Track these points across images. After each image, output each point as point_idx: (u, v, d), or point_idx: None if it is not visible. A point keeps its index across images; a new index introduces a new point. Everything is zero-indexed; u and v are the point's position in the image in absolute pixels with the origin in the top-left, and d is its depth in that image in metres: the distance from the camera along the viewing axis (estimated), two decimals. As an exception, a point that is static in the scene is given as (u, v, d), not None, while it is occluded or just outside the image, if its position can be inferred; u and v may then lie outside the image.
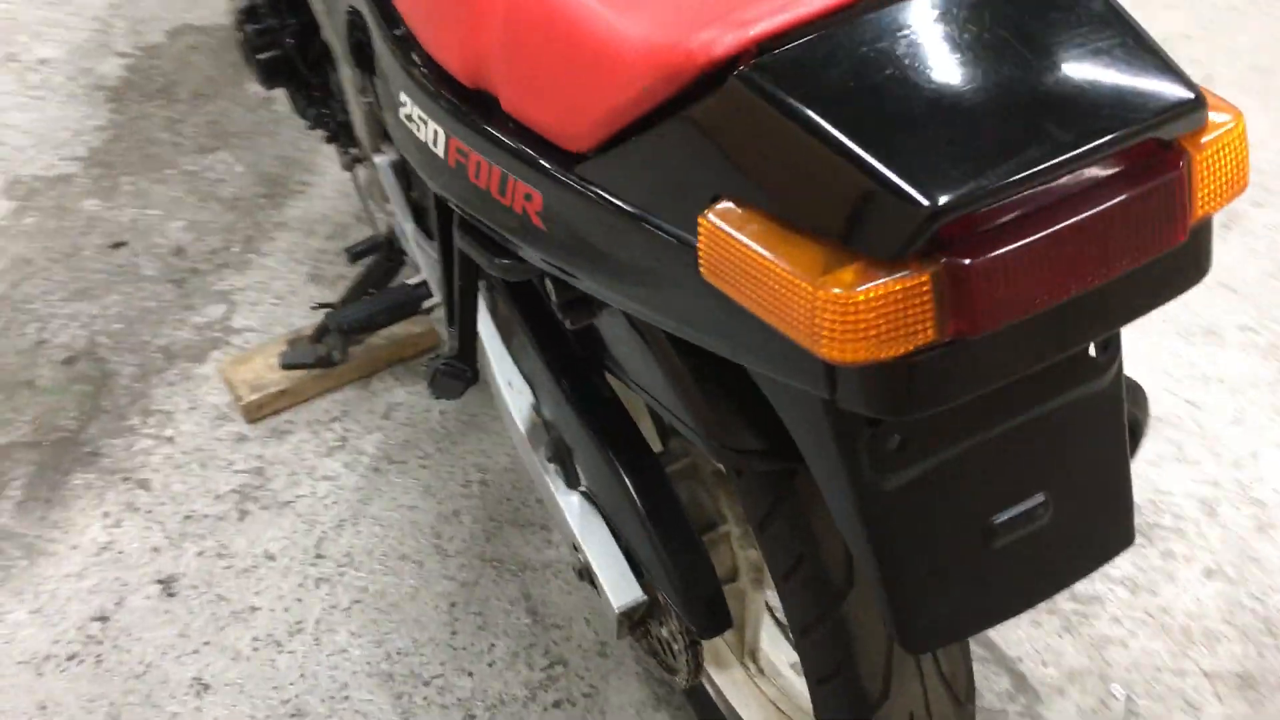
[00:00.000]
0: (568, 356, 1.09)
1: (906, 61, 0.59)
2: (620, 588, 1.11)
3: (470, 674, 1.45)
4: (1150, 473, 1.65)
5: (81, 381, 1.81)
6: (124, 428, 1.74)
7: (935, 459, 0.68)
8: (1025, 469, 0.72)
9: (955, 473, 0.70)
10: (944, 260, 0.55)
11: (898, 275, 0.55)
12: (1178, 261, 0.64)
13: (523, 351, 1.17)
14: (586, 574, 1.15)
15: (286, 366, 1.74)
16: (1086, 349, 0.70)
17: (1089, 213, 0.58)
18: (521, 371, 1.20)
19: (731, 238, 0.60)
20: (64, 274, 1.97)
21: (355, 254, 1.64)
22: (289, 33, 1.54)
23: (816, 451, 0.70)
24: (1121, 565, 1.54)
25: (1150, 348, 1.83)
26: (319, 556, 1.58)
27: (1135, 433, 1.03)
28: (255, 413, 1.74)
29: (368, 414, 1.75)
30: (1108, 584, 1.53)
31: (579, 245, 0.78)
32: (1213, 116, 0.61)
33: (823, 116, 0.57)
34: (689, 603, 1.00)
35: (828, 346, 0.57)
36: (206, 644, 1.49)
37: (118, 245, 2.02)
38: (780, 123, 0.59)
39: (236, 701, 1.43)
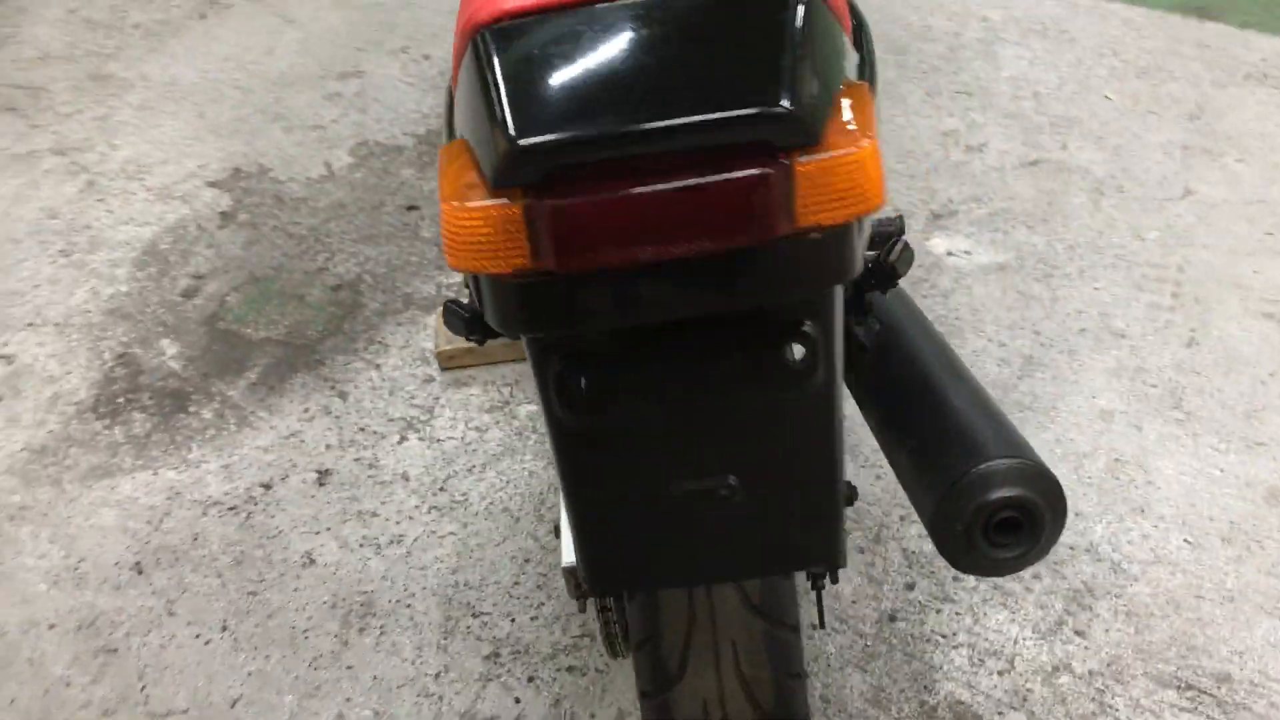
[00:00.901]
0: None
1: (591, 44, 0.68)
2: (572, 546, 1.21)
3: (513, 620, 1.60)
4: (1269, 657, 1.49)
5: (337, 306, 2.16)
6: (350, 348, 2.06)
7: (619, 413, 0.76)
8: (715, 450, 0.77)
9: (640, 432, 0.76)
10: (535, 198, 0.65)
11: (498, 201, 0.65)
12: (801, 259, 0.68)
13: None
14: (556, 529, 1.26)
15: (482, 330, 1.98)
16: (782, 353, 0.74)
17: (660, 186, 0.64)
18: None
19: (440, 171, 0.72)
20: (363, 220, 2.35)
21: None
22: None
23: (536, 387, 0.79)
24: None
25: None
26: (442, 490, 1.79)
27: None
28: (447, 361, 1.99)
29: (535, 388, 1.95)
30: (1158, 745, 1.41)
31: None
32: (835, 139, 0.65)
33: (499, 72, 0.68)
34: (581, 551, 1.08)
35: (447, 254, 0.68)
36: (327, 529, 1.75)
37: (411, 208, 2.37)
38: (478, 73, 0.70)
39: (326, 580, 1.67)
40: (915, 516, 1.69)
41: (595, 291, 0.68)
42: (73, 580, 1.71)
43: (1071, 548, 1.63)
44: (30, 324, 2.18)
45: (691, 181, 0.65)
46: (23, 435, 1.96)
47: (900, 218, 1.56)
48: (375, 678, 1.55)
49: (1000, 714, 1.46)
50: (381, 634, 1.60)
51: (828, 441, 0.79)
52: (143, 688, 1.56)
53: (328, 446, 1.89)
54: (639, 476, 0.78)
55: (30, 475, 1.88)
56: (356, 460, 1.86)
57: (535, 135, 0.64)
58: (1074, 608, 1.56)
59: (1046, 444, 1.77)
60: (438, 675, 1.55)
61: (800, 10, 0.68)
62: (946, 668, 1.51)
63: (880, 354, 1.27)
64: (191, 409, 1.98)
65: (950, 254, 2.13)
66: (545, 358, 0.75)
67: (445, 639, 1.59)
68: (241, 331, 2.13)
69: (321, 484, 1.83)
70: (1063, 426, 1.80)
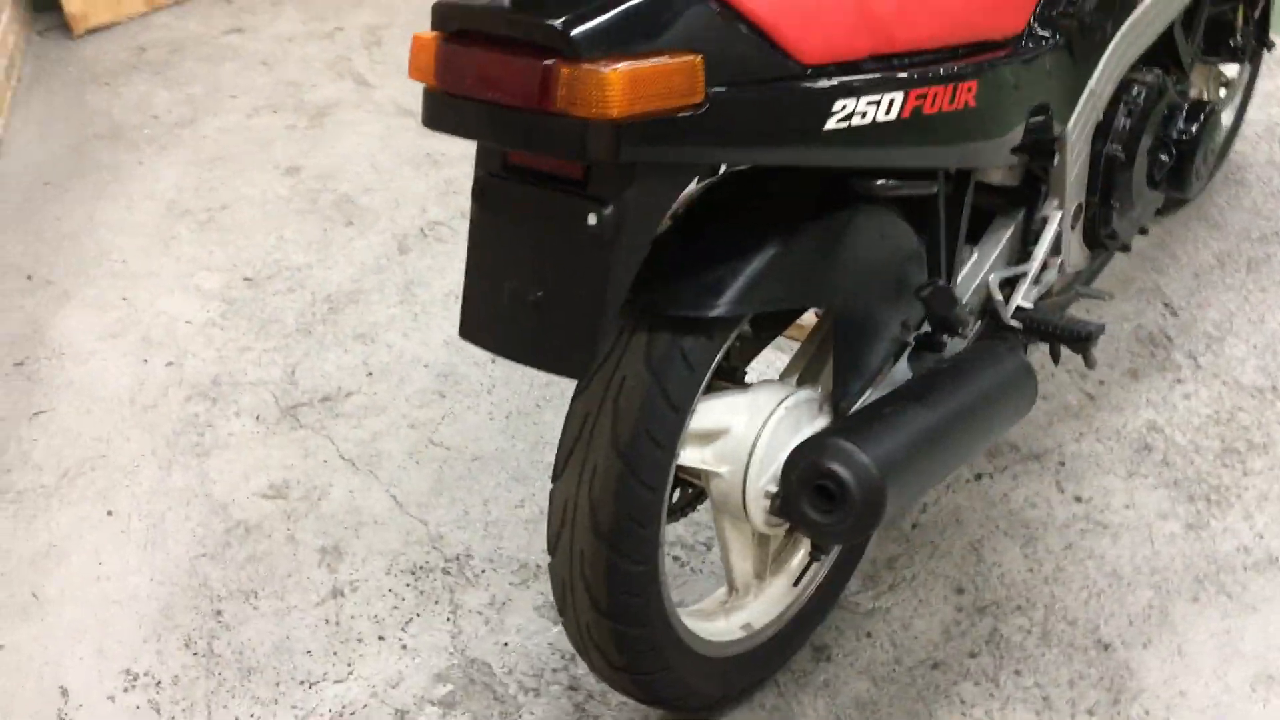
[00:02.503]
0: None
1: None
2: None
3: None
4: None
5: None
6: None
7: (496, 218, 1.12)
8: (536, 268, 1.09)
9: (502, 239, 1.12)
10: (441, 42, 1.04)
11: (427, 39, 1.05)
12: (560, 131, 0.99)
13: None
14: None
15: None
16: (585, 217, 1.05)
17: (493, 53, 0.99)
18: None
19: None
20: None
21: None
22: None
23: None
24: None
25: None
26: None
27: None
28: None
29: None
30: None
31: None
32: (597, 63, 0.96)
33: None
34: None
35: (409, 68, 1.09)
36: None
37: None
38: None
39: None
40: (1003, 613, 1.74)
41: (457, 109, 1.06)
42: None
43: (1146, 712, 1.59)
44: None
45: (507, 55, 1.00)
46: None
47: (1095, 327, 1.63)
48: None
49: (948, 778, 1.52)
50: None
51: (602, 291, 1.08)
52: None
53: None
54: (496, 270, 1.14)
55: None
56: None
57: (445, 5, 1.05)
58: (1098, 752, 1.54)
59: (1219, 633, 1.69)
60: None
61: None
62: (939, 722, 1.59)
63: (915, 378, 1.46)
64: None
65: (1292, 444, 2.00)
66: (476, 172, 1.14)
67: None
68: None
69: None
70: (1250, 632, 1.69)
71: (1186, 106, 1.85)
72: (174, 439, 2.19)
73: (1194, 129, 1.83)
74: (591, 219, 1.07)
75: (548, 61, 0.99)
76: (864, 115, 1.22)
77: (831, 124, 1.19)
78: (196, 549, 1.95)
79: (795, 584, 1.61)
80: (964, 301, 1.56)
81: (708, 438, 1.42)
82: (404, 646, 1.76)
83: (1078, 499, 1.92)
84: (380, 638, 1.78)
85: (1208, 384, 2.13)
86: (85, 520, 2.03)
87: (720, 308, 1.24)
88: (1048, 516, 1.89)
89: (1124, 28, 1.67)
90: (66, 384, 2.35)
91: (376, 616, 1.81)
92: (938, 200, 1.46)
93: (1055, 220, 1.70)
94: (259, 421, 2.22)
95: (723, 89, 1.08)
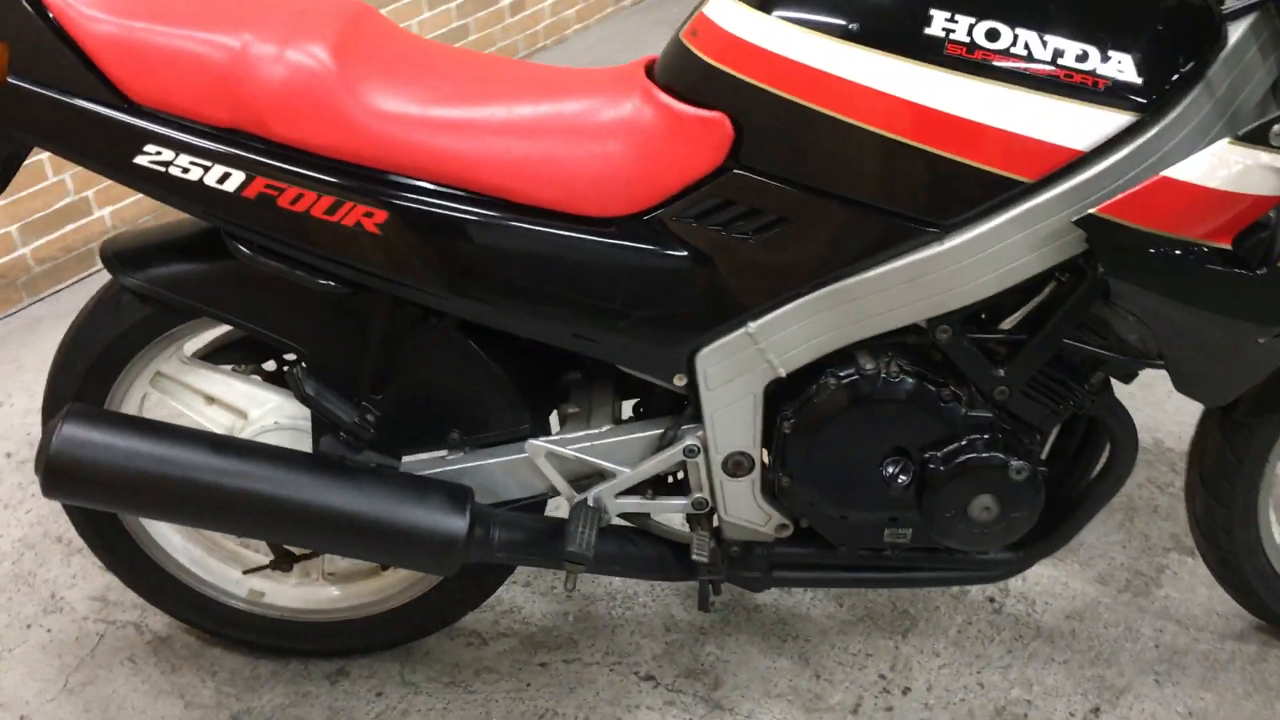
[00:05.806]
0: None
1: None
2: None
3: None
4: None
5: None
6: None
7: None
8: None
9: None
10: None
11: None
12: None
13: None
14: None
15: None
16: None
17: None
18: None
19: None
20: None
21: None
22: None
23: None
24: None
25: None
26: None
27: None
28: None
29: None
30: None
31: None
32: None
33: None
34: None
35: None
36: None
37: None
38: None
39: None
40: None
41: None
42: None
43: None
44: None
45: None
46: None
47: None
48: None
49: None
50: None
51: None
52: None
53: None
54: None
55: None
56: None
57: None
58: None
59: None
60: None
61: None
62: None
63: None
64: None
65: None
66: None
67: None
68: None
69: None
70: None
71: (978, 434, 1.47)
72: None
73: (954, 460, 1.47)
74: None
75: None
76: (185, 170, 1.35)
77: (142, 160, 1.35)
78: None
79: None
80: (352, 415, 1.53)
81: (229, 410, 1.62)
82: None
83: (680, 753, 1.74)
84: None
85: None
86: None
87: (124, 273, 1.49)
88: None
89: (821, 292, 1.40)
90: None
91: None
92: (363, 304, 1.47)
93: (681, 447, 1.52)
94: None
95: (24, 82, 1.32)
